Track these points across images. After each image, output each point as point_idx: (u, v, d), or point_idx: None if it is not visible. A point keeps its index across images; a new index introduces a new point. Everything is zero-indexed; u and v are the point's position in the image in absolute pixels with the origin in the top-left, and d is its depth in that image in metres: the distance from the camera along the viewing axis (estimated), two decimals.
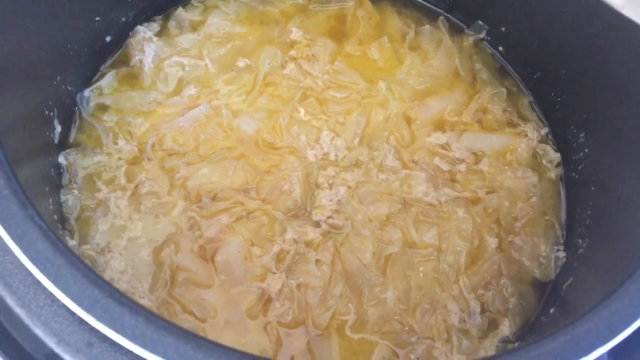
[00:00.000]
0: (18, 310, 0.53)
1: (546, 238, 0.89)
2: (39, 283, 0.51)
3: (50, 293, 0.50)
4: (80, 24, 0.84)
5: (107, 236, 0.82)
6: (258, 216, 0.85)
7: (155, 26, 0.98)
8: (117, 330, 0.48)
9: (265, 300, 0.80)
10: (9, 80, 0.68)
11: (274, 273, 0.82)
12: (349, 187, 0.89)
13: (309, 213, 0.87)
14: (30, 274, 0.51)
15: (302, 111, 0.94)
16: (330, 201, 0.88)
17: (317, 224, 0.86)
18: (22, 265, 0.51)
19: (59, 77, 0.82)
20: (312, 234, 0.85)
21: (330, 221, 0.86)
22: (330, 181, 0.89)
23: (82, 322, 0.51)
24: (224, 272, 0.81)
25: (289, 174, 0.89)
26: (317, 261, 0.83)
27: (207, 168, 0.87)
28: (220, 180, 0.87)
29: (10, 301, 0.53)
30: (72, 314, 0.51)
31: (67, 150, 0.86)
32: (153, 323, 0.49)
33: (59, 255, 0.50)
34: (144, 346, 0.48)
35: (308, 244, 0.84)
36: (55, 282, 0.49)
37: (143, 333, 0.48)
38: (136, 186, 0.86)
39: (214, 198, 0.86)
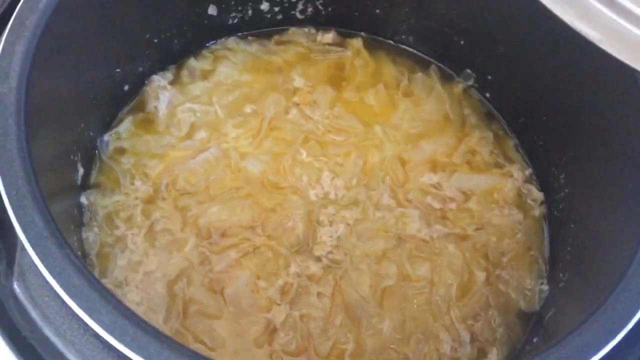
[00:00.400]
0: (54, 339, 0.60)
1: (531, 272, 0.96)
2: (74, 314, 0.58)
3: (85, 323, 0.57)
4: (103, 75, 0.92)
5: (124, 271, 0.89)
6: (264, 251, 0.92)
7: (169, 75, 1.06)
8: (144, 357, 0.55)
9: (271, 330, 0.86)
10: (42, 126, 0.75)
11: (279, 305, 0.88)
12: (348, 224, 0.96)
13: (311, 248, 0.93)
14: (66, 306, 0.58)
15: (304, 153, 1.01)
16: (331, 237, 0.95)
17: (318, 259, 0.93)
18: (60, 298, 0.58)
19: (82, 124, 0.90)
20: (314, 268, 0.92)
21: (330, 256, 0.93)
22: (331, 219, 0.96)
23: (112, 348, 0.58)
24: (233, 304, 0.88)
25: (292, 212, 0.96)
26: (319, 294, 0.90)
27: (216, 207, 0.94)
28: (229, 218, 0.94)
29: (48, 331, 0.60)
30: (104, 342, 0.58)
31: (88, 191, 0.93)
32: (176, 350, 0.55)
33: (93, 289, 0.57)
34: None
35: (310, 278, 0.91)
36: (90, 313, 0.56)
37: (168, 358, 0.55)
38: (151, 224, 0.93)
39: (223, 235, 0.93)
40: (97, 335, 0.58)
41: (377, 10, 1.09)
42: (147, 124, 1.02)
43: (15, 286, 0.64)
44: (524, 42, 0.96)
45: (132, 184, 0.96)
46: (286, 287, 0.90)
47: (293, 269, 0.91)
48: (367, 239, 0.95)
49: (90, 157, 0.95)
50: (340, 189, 0.99)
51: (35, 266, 0.59)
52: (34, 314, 0.63)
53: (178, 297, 0.87)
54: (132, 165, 0.97)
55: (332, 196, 0.98)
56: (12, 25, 0.72)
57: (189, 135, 1.01)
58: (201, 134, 1.01)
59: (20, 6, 0.73)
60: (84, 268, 0.59)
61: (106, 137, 0.98)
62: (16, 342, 0.61)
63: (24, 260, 0.64)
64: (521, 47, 0.98)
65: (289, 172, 0.99)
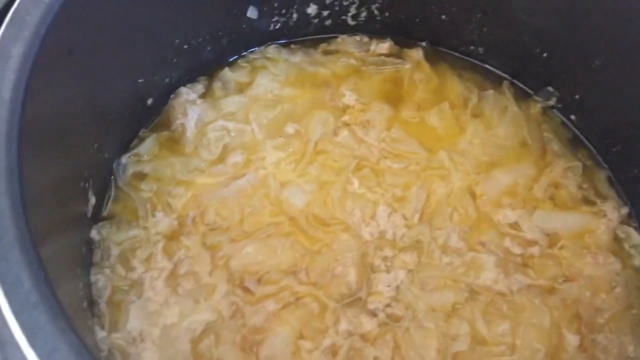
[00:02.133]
0: None
1: (634, 336, 0.78)
2: None
3: None
4: (123, 87, 0.78)
5: (140, 323, 0.73)
6: (308, 303, 0.76)
7: (200, 87, 0.91)
8: None
9: None
10: (44, 148, 0.61)
11: None
12: (409, 271, 0.80)
13: (365, 300, 0.77)
14: None
15: (356, 183, 0.85)
16: (388, 287, 0.78)
17: (373, 314, 0.77)
18: None
19: (96, 145, 0.75)
20: (369, 325, 0.75)
21: (388, 310, 0.77)
22: (388, 263, 0.80)
23: None
24: None
25: (342, 254, 0.80)
26: (375, 358, 0.73)
27: (252, 246, 0.79)
28: (267, 261, 0.78)
29: None
30: None
31: (101, 224, 0.78)
32: None
33: None
34: None
35: (364, 337, 0.75)
36: None
37: None
38: (174, 265, 0.77)
39: (259, 281, 0.77)
40: None
41: (443, 16, 0.93)
42: (173, 144, 0.87)
43: None
44: (628, 56, 0.79)
45: (153, 215, 0.80)
46: (335, 349, 0.74)
47: (343, 325, 0.75)
48: (432, 289, 0.79)
49: (104, 183, 0.81)
50: (399, 227, 0.83)
51: (17, 342, 0.43)
52: None
53: (204, 359, 0.71)
54: (154, 193, 0.82)
55: (389, 235, 0.82)
56: (9, 21, 0.58)
57: (221, 159, 0.86)
58: (235, 158, 0.85)
59: None
60: (84, 348, 0.43)
61: (124, 159, 0.83)
62: None
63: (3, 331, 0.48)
64: (622, 62, 0.80)
65: (338, 206, 0.84)
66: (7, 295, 0.45)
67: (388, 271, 0.80)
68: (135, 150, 0.85)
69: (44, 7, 0.58)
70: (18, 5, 0.58)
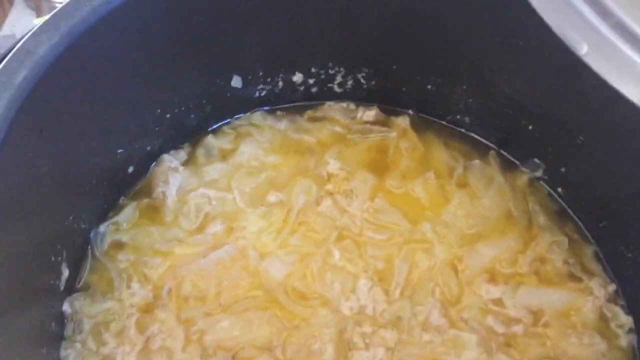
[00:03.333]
0: None
1: None
2: None
3: None
4: (100, 158, 0.77)
5: None
6: None
7: (183, 154, 0.91)
8: None
9: None
10: (8, 223, 0.59)
11: None
12: (388, 349, 0.78)
13: None
14: None
15: (337, 255, 0.84)
16: None
17: None
18: None
19: (71, 217, 0.75)
20: None
21: None
22: (367, 340, 0.78)
23: None
24: None
25: (320, 330, 0.78)
26: None
27: (228, 320, 0.77)
28: (242, 336, 0.77)
29: None
30: None
31: (74, 295, 0.77)
32: None
33: None
34: None
35: None
36: None
37: None
38: (147, 339, 0.76)
39: (234, 357, 0.75)
40: None
41: (429, 86, 0.93)
42: (153, 212, 0.86)
43: None
44: (613, 132, 0.78)
45: (129, 287, 0.79)
46: None
47: None
48: None
49: (80, 252, 0.80)
50: (379, 302, 0.81)
51: None
52: None
53: None
54: (131, 263, 0.81)
55: (369, 310, 0.80)
56: None
57: (201, 228, 0.85)
58: (216, 227, 0.85)
59: None
60: None
61: (102, 228, 0.82)
62: None
63: None
64: (608, 137, 0.79)
65: (317, 278, 0.82)
66: None
67: (367, 349, 0.78)
68: (114, 219, 0.84)
69: (14, 90, 0.57)
70: None
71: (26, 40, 0.57)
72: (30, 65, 0.56)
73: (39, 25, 0.60)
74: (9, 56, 0.57)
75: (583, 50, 0.49)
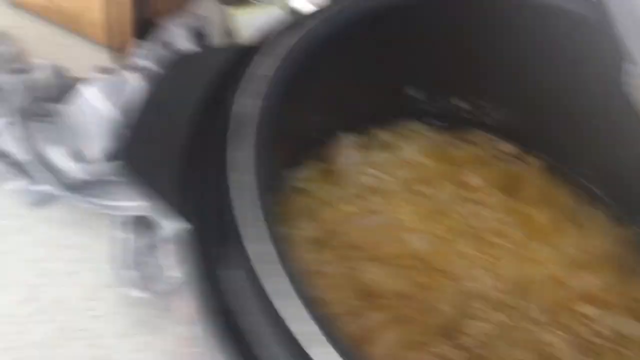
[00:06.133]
0: None
1: None
2: None
3: None
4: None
5: None
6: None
7: (358, 139, 1.12)
8: None
9: None
10: None
11: None
12: (494, 325, 0.94)
13: (455, 338, 0.92)
14: None
15: (464, 245, 1.03)
16: (475, 332, 0.93)
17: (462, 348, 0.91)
18: None
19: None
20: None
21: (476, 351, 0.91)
22: (478, 313, 0.95)
23: None
24: None
25: (442, 295, 0.96)
26: None
27: (381, 269, 0.96)
28: (386, 281, 0.95)
29: None
30: None
31: None
32: None
33: None
34: None
35: None
36: None
37: None
38: None
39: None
40: None
41: (567, 140, 1.12)
42: (328, 175, 1.07)
43: None
44: None
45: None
46: None
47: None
48: (511, 345, 0.93)
49: None
50: (493, 289, 0.98)
51: None
52: None
53: None
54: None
55: (483, 292, 0.98)
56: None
57: (364, 198, 1.05)
58: (375, 199, 1.05)
59: None
60: None
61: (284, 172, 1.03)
62: None
63: None
64: None
65: (447, 257, 1.01)
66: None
67: (476, 320, 0.95)
68: (295, 171, 1.06)
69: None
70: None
71: None
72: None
73: None
74: None
75: None
